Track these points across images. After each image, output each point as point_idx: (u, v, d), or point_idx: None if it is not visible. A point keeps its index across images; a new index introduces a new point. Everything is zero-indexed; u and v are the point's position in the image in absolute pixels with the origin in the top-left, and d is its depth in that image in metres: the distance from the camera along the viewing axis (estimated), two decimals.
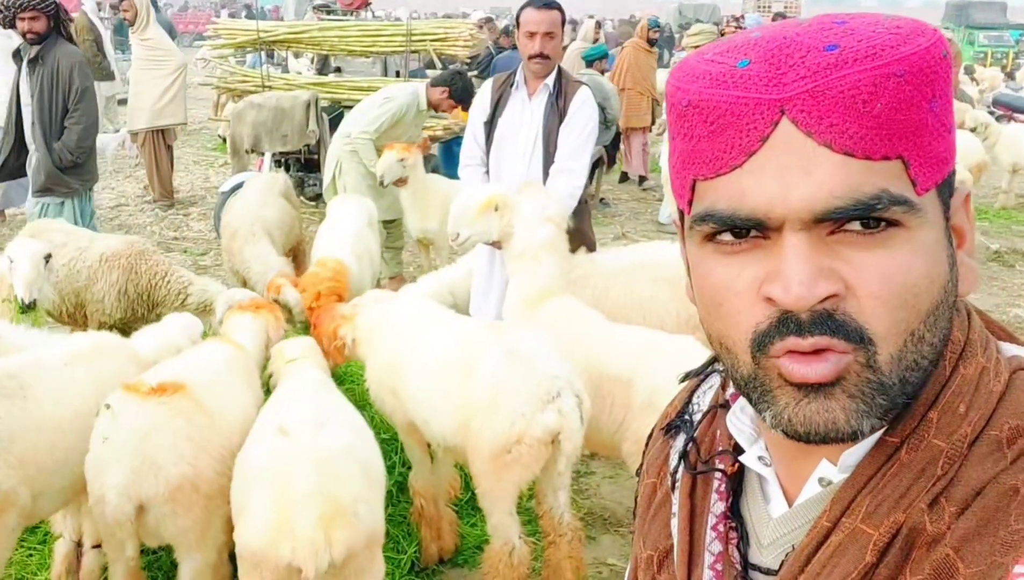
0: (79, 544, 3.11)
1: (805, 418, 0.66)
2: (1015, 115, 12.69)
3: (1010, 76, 19.84)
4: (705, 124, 0.66)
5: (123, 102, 14.46)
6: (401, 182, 5.79)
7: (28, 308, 3.74)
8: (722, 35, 8.54)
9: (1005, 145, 9.45)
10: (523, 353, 2.81)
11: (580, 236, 4.10)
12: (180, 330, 3.55)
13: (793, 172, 0.63)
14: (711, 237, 0.68)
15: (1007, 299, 6.89)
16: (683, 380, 0.95)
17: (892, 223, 0.63)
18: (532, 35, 3.91)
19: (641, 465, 0.99)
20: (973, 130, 9.33)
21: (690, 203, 0.70)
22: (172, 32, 16.84)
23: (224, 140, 12.04)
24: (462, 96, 5.96)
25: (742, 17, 9.93)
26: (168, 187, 9.09)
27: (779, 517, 0.75)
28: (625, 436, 2.91)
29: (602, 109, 7.17)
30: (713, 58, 0.68)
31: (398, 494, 3.59)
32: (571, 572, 2.92)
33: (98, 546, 2.94)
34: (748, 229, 0.66)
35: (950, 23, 25.55)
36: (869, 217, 0.62)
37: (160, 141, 8.84)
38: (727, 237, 0.67)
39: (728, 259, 0.68)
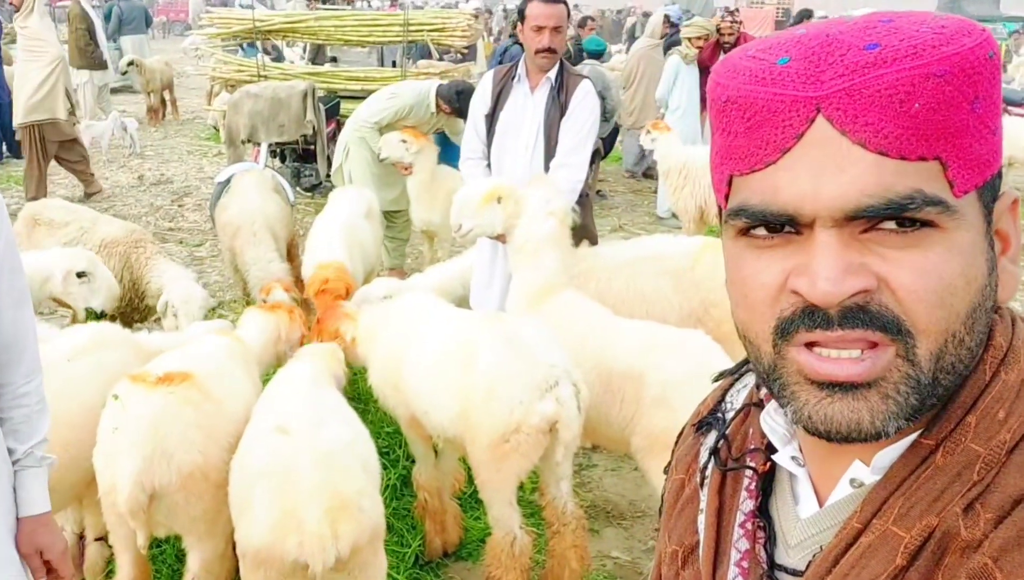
0: (81, 537, 3.10)
1: (827, 417, 0.65)
2: (1009, 108, 12.70)
3: (1002, 69, 19.88)
4: (743, 120, 0.66)
5: (114, 91, 14.44)
6: (404, 168, 5.76)
7: (99, 317, 3.91)
8: (717, 30, 8.47)
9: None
10: (521, 342, 2.82)
11: (583, 230, 4.10)
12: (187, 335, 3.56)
13: (826, 170, 0.63)
14: (745, 231, 0.69)
15: None
16: (717, 379, 0.94)
17: (927, 223, 0.62)
18: (540, 29, 3.89)
19: (670, 462, 0.98)
20: None
21: (726, 197, 0.71)
22: (148, 19, 16.71)
23: (216, 129, 11.99)
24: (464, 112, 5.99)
25: (737, 11, 9.79)
26: (36, 190, 8.06)
27: (808, 518, 0.74)
28: (635, 431, 2.91)
29: (601, 99, 7.16)
30: (755, 55, 0.68)
31: (402, 488, 3.59)
32: (576, 561, 2.94)
33: (101, 539, 2.93)
34: (782, 224, 0.66)
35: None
36: (903, 217, 0.62)
37: (38, 136, 8.09)
38: (761, 232, 0.67)
39: (760, 253, 0.68)
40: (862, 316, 0.63)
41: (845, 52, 0.62)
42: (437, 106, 6.06)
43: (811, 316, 0.64)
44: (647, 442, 2.84)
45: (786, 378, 0.67)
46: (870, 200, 0.62)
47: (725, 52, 8.04)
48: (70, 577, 1.87)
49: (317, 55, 10.99)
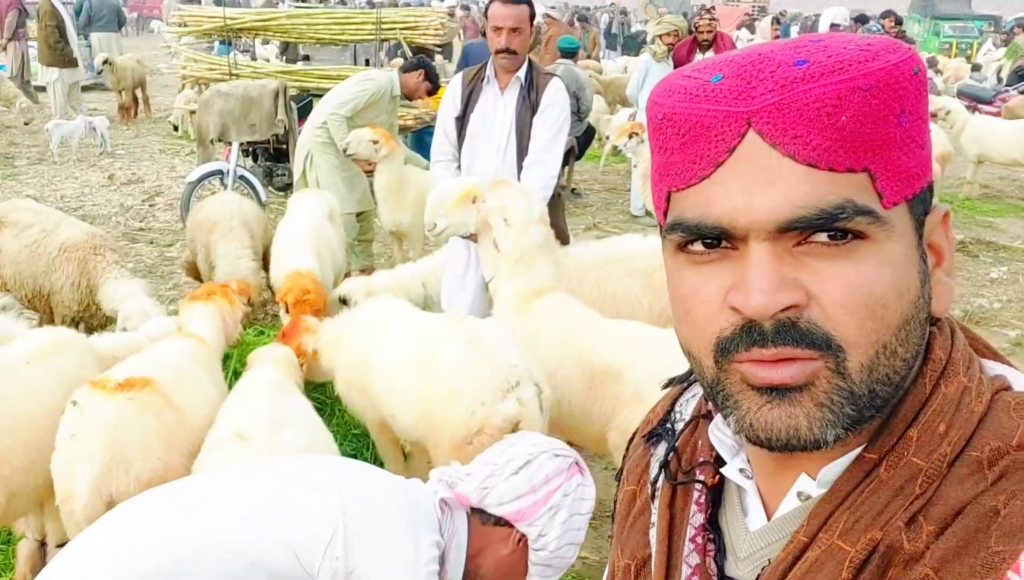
0: (43, 544, 3.06)
1: (767, 423, 0.66)
2: (980, 106, 12.86)
3: (975, 67, 20.09)
4: (677, 136, 0.68)
5: (86, 89, 14.27)
6: (366, 165, 5.75)
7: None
8: (696, 27, 8.48)
9: (971, 136, 9.60)
10: (483, 343, 2.82)
11: (554, 229, 4.09)
12: (144, 334, 3.52)
13: (758, 183, 0.64)
14: (683, 246, 0.70)
15: (971, 289, 6.98)
16: (666, 387, 0.95)
17: (858, 235, 0.64)
18: (498, 30, 3.91)
19: (620, 471, 0.98)
20: (934, 116, 9.44)
21: (665, 214, 0.72)
22: (120, 18, 16.38)
23: (175, 128, 11.86)
24: (436, 80, 6.13)
25: (713, 8, 9.82)
26: None
27: (757, 530, 0.75)
28: (612, 427, 2.93)
29: (576, 99, 7.16)
30: (691, 74, 0.70)
31: None
32: None
33: (63, 545, 2.89)
34: (718, 239, 0.67)
35: (916, 13, 25.87)
36: (834, 228, 0.63)
37: None
38: (698, 247, 0.68)
39: (699, 269, 0.69)
40: (793, 333, 0.64)
41: (775, 69, 0.64)
42: (403, 89, 6.12)
43: (748, 333, 0.65)
44: (623, 438, 2.84)
45: (730, 388, 0.68)
46: (802, 211, 0.63)
47: (702, 50, 8.04)
48: None
49: (287, 51, 10.92)
